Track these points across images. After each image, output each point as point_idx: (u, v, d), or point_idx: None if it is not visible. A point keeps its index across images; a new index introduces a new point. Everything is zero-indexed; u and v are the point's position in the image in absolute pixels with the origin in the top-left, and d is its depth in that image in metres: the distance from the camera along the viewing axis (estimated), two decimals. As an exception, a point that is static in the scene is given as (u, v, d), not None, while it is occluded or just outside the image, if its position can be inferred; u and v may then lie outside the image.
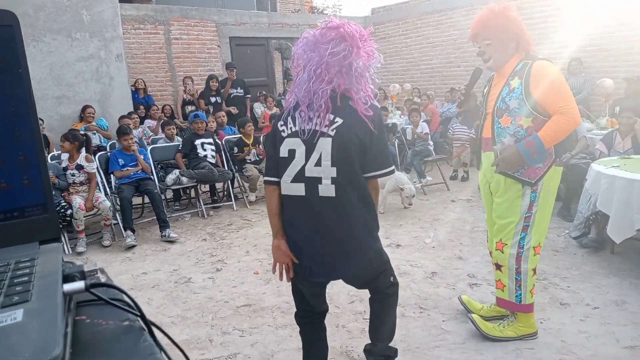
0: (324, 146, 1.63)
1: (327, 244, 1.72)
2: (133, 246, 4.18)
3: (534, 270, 2.32)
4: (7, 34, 0.58)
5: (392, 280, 1.94)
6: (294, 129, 1.68)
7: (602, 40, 6.72)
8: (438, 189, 5.86)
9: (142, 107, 6.97)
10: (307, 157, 1.65)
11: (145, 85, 7.42)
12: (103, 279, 0.53)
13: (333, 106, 1.64)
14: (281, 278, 1.85)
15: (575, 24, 6.94)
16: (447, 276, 3.26)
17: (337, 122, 1.63)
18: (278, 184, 1.75)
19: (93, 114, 6.15)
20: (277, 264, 1.84)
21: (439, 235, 4.12)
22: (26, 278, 0.45)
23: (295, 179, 1.68)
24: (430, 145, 6.15)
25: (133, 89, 7.15)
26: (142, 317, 0.45)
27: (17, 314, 0.38)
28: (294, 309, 2.02)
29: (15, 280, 0.44)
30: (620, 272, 3.14)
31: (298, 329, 2.07)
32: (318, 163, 1.64)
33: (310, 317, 2.00)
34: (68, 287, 0.43)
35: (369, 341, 2.09)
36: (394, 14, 10.85)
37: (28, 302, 0.40)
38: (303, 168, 1.66)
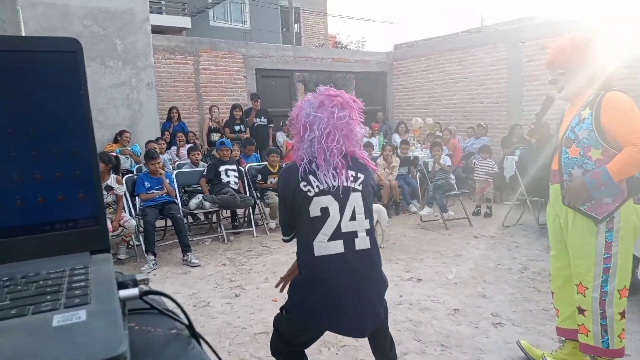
0: (356, 200, 1.71)
1: (364, 299, 1.70)
2: (147, 276, 4.20)
3: (621, 314, 2.13)
4: (72, 59, 0.62)
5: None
6: (321, 187, 1.70)
7: None
8: (460, 224, 5.79)
9: (166, 132, 7.15)
10: (342, 213, 1.69)
11: (179, 112, 7.63)
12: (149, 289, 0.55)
13: (347, 163, 1.74)
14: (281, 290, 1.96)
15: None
16: (470, 314, 3.18)
17: (360, 177, 1.76)
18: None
19: (129, 138, 6.34)
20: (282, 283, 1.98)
21: (461, 272, 4.04)
22: (83, 283, 0.47)
23: (333, 237, 1.67)
24: (452, 179, 6.12)
25: (165, 117, 7.38)
26: (190, 327, 0.47)
27: (80, 314, 0.40)
28: None
29: (73, 285, 0.47)
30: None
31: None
32: (353, 217, 1.69)
33: (298, 353, 1.95)
34: (123, 293, 0.45)
35: None
36: (416, 50, 11.04)
37: (88, 304, 0.42)
38: (339, 224, 1.68)
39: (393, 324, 2.83)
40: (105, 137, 6.47)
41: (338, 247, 1.66)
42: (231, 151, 5.70)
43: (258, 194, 5.67)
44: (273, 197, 5.52)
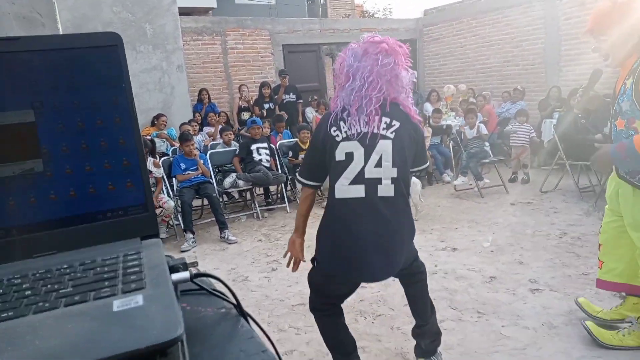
0: (385, 148, 1.71)
1: (385, 244, 1.75)
2: (187, 250, 4.35)
3: None
4: (113, 53, 0.65)
5: (420, 261, 2.09)
6: (349, 133, 1.72)
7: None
8: (496, 191, 5.69)
9: (197, 114, 7.26)
10: (367, 159, 1.70)
11: (208, 93, 7.73)
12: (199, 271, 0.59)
13: (384, 111, 1.72)
14: (293, 268, 2.03)
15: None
16: (507, 281, 3.17)
17: (394, 125, 1.73)
18: (316, 188, 1.88)
19: (166, 122, 6.48)
20: (290, 256, 2.01)
21: (498, 240, 4.00)
22: (137, 269, 0.51)
23: (355, 181, 1.70)
24: (487, 146, 5.99)
25: (196, 99, 7.48)
26: (238, 306, 0.50)
27: (138, 299, 0.44)
28: (347, 310, 2.06)
29: (128, 270, 0.51)
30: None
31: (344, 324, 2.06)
32: (379, 164, 1.70)
33: (335, 309, 2.03)
34: (175, 276, 0.49)
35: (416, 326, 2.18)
36: (447, 14, 10.65)
37: (144, 289, 0.46)
38: (362, 170, 1.70)
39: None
40: (140, 122, 6.62)
41: (360, 191, 1.70)
42: (262, 129, 5.75)
43: (289, 171, 5.73)
44: (305, 173, 5.57)
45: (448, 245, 3.96)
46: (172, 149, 6.13)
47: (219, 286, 0.59)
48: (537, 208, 4.89)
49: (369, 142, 1.70)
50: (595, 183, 5.16)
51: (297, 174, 1.95)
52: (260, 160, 5.44)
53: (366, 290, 3.16)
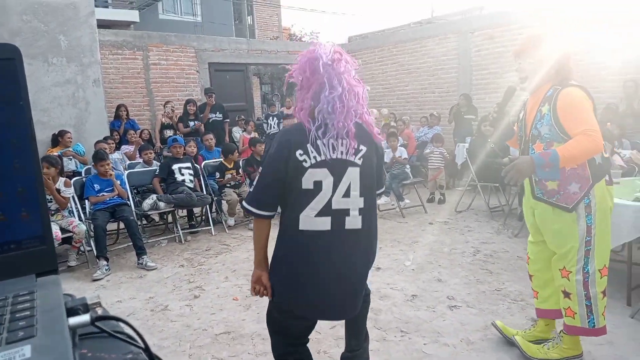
0: (353, 176, 1.55)
1: (350, 281, 1.63)
2: (100, 279, 4.01)
3: (603, 292, 2.23)
4: (10, 67, 0.59)
5: (369, 289, 1.92)
6: (318, 159, 1.52)
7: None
8: (416, 211, 5.95)
9: (115, 133, 6.88)
10: (335, 189, 1.54)
11: (127, 110, 7.36)
12: (101, 312, 0.54)
13: (356, 132, 1.55)
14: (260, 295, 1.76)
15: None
16: (427, 299, 3.29)
17: (362, 150, 1.58)
18: (272, 217, 1.63)
19: (71, 138, 6.01)
20: (255, 289, 1.73)
21: (418, 258, 4.16)
22: (28, 312, 0.45)
23: (321, 213, 1.53)
24: (408, 168, 6.27)
25: (112, 116, 7.09)
26: (147, 350, 0.46)
27: (25, 351, 0.38)
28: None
29: (17, 315, 0.45)
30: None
31: None
32: (346, 194, 1.55)
33: (300, 348, 1.85)
34: (73, 320, 0.44)
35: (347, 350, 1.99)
36: (370, 41, 11.15)
37: (34, 337, 0.40)
38: (330, 200, 1.53)
39: (355, 315, 2.88)
40: (50, 139, 6.15)
41: (326, 224, 1.54)
42: (184, 148, 5.57)
43: (214, 192, 5.58)
44: (231, 194, 5.45)
45: (373, 264, 4.04)
46: (85, 167, 5.73)
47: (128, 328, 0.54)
48: (452, 227, 5.17)
49: (338, 170, 1.54)
50: (504, 203, 5.58)
51: (245, 202, 1.63)
52: (184, 180, 5.24)
53: (292, 314, 3.12)
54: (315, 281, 1.58)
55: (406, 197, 6.19)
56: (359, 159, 1.57)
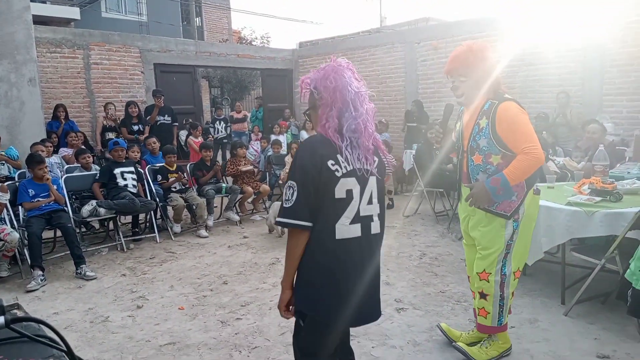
0: (373, 185, 1.66)
1: (376, 282, 1.72)
2: (34, 290, 3.75)
3: (512, 292, 2.44)
4: None
5: None
6: (348, 168, 1.59)
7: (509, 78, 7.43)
8: (365, 217, 6.02)
9: (54, 135, 6.50)
10: (361, 197, 1.62)
11: (66, 110, 6.98)
12: (21, 315, 0.49)
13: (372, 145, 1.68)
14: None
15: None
16: (376, 302, 3.32)
17: (376, 160, 1.69)
18: (310, 229, 1.58)
19: None
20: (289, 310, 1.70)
21: (367, 262, 4.20)
22: None
23: (354, 220, 1.61)
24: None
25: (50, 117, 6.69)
26: (69, 352, 0.42)
27: None
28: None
29: None
30: (532, 292, 3.39)
31: None
32: (370, 201, 1.65)
33: None
34: (-16, 326, 0.40)
35: None
36: (320, 48, 11.26)
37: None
38: (359, 208, 1.62)
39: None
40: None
41: (357, 230, 1.62)
42: (127, 151, 5.34)
43: (159, 197, 5.39)
44: (177, 199, 5.29)
45: (322, 269, 4.04)
46: (18, 172, 5.36)
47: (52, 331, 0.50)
48: (400, 231, 5.29)
49: (363, 179, 1.62)
50: (449, 208, 5.78)
51: (281, 217, 1.58)
52: (126, 185, 5.02)
53: (241, 322, 3.06)
54: (351, 287, 1.63)
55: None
56: (375, 168, 1.68)
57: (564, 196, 3.29)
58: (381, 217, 1.71)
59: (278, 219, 1.59)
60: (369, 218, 1.65)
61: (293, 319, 1.72)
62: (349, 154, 1.60)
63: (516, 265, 2.40)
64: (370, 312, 1.72)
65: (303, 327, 1.67)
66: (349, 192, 1.59)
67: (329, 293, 1.62)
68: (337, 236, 1.58)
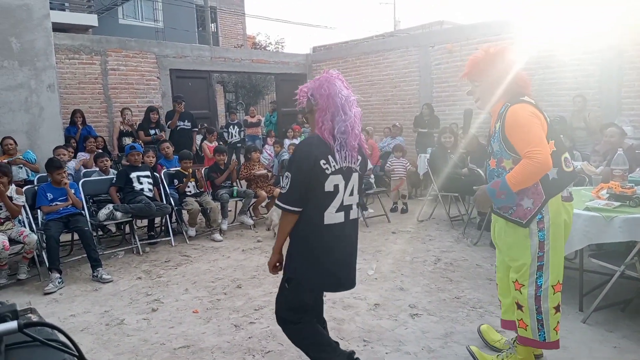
0: (355, 180, 2.08)
1: (353, 259, 2.17)
2: (52, 292, 3.81)
3: (556, 308, 2.24)
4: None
5: None
6: (336, 167, 1.98)
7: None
8: (379, 221, 6.00)
9: (73, 140, 6.62)
10: (345, 189, 2.03)
11: (83, 115, 7.11)
12: (35, 319, 0.50)
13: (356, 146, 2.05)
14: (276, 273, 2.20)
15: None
16: (390, 307, 3.30)
17: (359, 159, 2.09)
18: (298, 213, 1.99)
19: (12, 145, 5.62)
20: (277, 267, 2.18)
21: (381, 267, 4.19)
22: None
23: (339, 209, 2.02)
24: (371, 178, 6.33)
25: (68, 122, 6.81)
26: (80, 357, 0.43)
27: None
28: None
29: None
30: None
31: None
32: (351, 193, 2.06)
33: (311, 317, 2.21)
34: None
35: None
36: (334, 53, 11.28)
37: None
38: (343, 199, 2.02)
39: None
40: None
41: (340, 217, 2.03)
42: (143, 156, 5.41)
43: (174, 202, 5.44)
44: (192, 203, 5.34)
45: (335, 274, 4.03)
46: (38, 176, 5.45)
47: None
48: (414, 236, 5.25)
49: (347, 175, 2.02)
50: (464, 212, 5.72)
51: (280, 201, 2.01)
52: (142, 189, 5.08)
53: (255, 326, 3.07)
54: (331, 259, 2.05)
55: (369, 207, 6.24)
56: (358, 166, 2.08)
57: (582, 201, 3.23)
58: (359, 205, 2.17)
59: (276, 202, 2.06)
60: (350, 207, 2.07)
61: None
62: (338, 154, 1.97)
63: (555, 278, 2.21)
64: (345, 282, 2.15)
65: (288, 288, 2.12)
66: (336, 187, 1.99)
67: (309, 262, 2.05)
68: (325, 222, 2.01)
